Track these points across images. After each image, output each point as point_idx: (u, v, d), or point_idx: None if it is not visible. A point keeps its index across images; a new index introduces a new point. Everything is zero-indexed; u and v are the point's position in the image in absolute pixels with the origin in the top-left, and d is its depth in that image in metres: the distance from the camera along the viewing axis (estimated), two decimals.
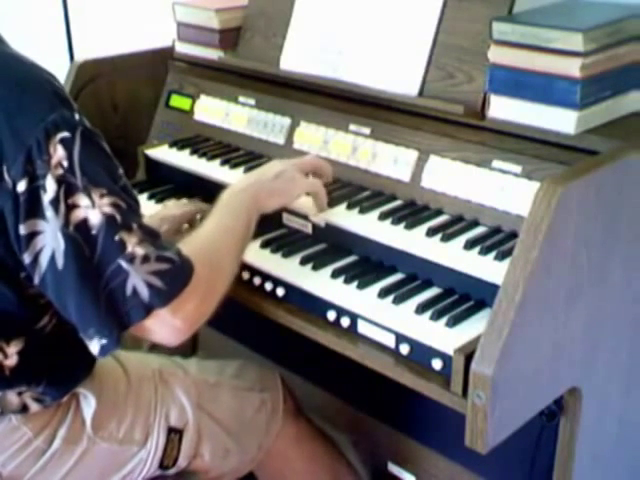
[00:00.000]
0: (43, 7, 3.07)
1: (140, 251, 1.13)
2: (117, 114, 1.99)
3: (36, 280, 1.15)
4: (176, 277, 1.16)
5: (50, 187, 1.11)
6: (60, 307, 1.16)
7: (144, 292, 1.13)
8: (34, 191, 1.11)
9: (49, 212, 1.11)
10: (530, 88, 1.39)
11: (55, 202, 1.11)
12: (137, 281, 1.13)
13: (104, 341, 1.15)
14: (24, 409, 1.26)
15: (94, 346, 1.16)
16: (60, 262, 1.12)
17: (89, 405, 1.33)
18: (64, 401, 1.31)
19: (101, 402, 1.34)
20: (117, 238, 1.12)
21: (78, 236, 1.11)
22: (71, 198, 1.12)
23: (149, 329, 1.17)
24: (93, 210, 1.12)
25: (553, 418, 1.35)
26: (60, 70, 1.92)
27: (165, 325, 1.17)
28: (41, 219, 1.12)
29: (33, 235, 1.12)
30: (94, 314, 1.13)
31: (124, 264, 1.12)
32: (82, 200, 1.12)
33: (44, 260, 1.13)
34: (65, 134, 1.12)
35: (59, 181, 1.11)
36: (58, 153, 1.11)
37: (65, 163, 1.11)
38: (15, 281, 1.19)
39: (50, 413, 1.30)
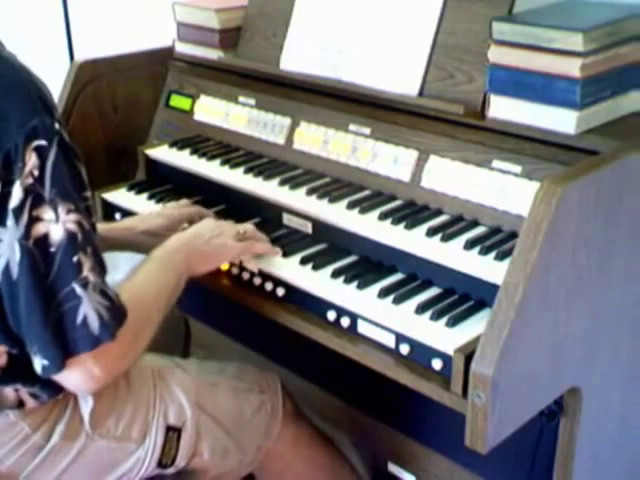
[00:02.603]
0: (43, 7, 3.07)
1: (91, 278, 1.13)
2: (117, 114, 1.99)
3: None
4: (114, 317, 1.16)
5: (16, 194, 1.09)
6: (13, 320, 1.14)
7: (94, 323, 1.13)
8: (3, 196, 1.09)
9: (10, 220, 1.09)
10: (530, 88, 1.39)
11: (18, 211, 1.09)
12: (89, 310, 1.13)
13: (45, 362, 1.14)
14: (21, 404, 1.26)
15: (37, 364, 1.15)
16: (14, 273, 1.11)
17: (87, 402, 1.33)
18: (62, 397, 1.31)
19: (99, 399, 1.34)
20: (75, 259, 1.12)
21: (36, 251, 1.10)
22: (36, 210, 1.10)
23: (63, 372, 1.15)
24: (56, 225, 1.11)
25: (553, 418, 1.35)
26: (60, 70, 1.92)
27: (82, 371, 1.16)
28: (1, 226, 1.10)
29: None
30: (39, 332, 1.12)
31: (78, 289, 1.12)
32: (46, 213, 1.10)
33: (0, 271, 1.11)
34: (42, 142, 1.10)
35: (27, 190, 1.09)
36: (32, 161, 1.09)
37: (36, 172, 1.10)
38: None
39: (48, 409, 1.30)
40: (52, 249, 1.11)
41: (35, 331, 1.13)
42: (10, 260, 1.10)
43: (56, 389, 1.28)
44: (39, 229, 1.10)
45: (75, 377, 1.17)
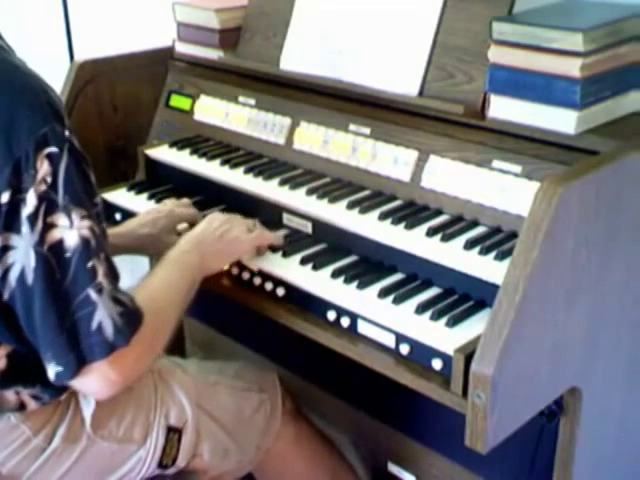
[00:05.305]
0: (43, 7, 3.07)
1: (105, 284, 1.14)
2: (117, 114, 1.99)
3: (6, 295, 1.14)
4: (128, 323, 1.17)
5: (30, 202, 1.10)
6: (26, 325, 1.15)
7: (109, 329, 1.14)
8: (15, 204, 1.10)
9: (25, 227, 1.10)
10: (530, 88, 1.39)
11: (33, 218, 1.10)
12: (104, 316, 1.13)
13: (59, 369, 1.14)
14: (22, 407, 1.26)
15: (50, 371, 1.15)
16: (30, 278, 1.11)
17: (88, 404, 1.33)
18: (63, 399, 1.31)
19: (100, 401, 1.34)
20: (90, 265, 1.12)
21: (51, 257, 1.11)
22: (50, 217, 1.11)
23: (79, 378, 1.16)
24: (70, 231, 1.11)
25: (553, 418, 1.35)
26: (60, 70, 1.92)
27: (99, 376, 1.16)
28: (15, 233, 1.11)
29: (5, 249, 1.11)
30: (54, 338, 1.13)
31: (93, 294, 1.12)
32: (60, 220, 1.11)
33: (13, 277, 1.12)
34: (53, 149, 1.11)
35: (40, 197, 1.10)
36: (44, 168, 1.10)
37: (49, 179, 1.10)
38: None
39: (49, 411, 1.30)
40: (67, 255, 1.11)
41: (49, 337, 1.13)
42: (25, 267, 1.11)
43: (58, 390, 1.28)
44: (54, 235, 1.11)
45: (92, 383, 1.18)
